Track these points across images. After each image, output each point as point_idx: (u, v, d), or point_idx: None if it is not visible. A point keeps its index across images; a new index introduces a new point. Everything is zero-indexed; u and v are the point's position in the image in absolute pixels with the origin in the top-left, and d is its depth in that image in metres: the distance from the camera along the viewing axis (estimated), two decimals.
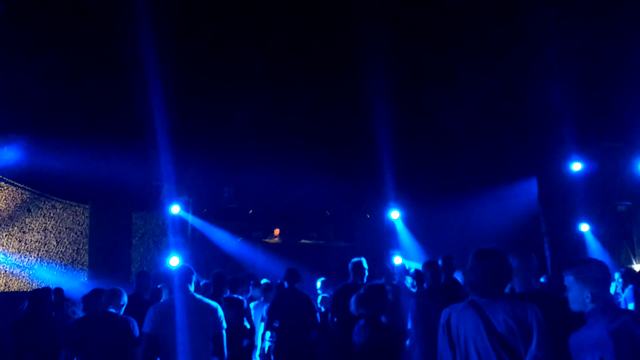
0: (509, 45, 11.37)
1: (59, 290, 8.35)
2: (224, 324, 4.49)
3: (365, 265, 6.75)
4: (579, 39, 11.34)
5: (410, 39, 13.08)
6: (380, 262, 7.45)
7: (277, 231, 18.45)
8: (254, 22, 13.91)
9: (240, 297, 6.38)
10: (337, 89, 15.53)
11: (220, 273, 6.64)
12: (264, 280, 8.92)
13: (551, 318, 3.01)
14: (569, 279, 2.88)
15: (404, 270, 7.02)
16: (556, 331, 2.95)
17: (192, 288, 4.52)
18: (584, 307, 2.80)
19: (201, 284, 7.81)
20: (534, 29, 11.15)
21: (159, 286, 7.83)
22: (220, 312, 4.49)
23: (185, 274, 4.52)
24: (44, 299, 5.94)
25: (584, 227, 12.74)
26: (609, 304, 2.74)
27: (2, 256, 13.29)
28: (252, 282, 8.97)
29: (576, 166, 12.29)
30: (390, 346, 4.43)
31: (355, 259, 6.77)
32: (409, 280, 7.83)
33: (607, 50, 11.31)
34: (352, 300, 4.77)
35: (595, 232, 13.62)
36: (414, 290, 7.09)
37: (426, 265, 5.91)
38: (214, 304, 4.54)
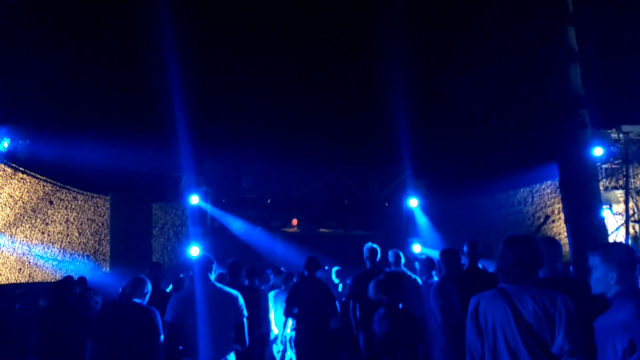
0: (528, 29, 11.19)
1: (82, 280, 8.46)
2: (245, 312, 4.51)
3: (379, 250, 6.75)
4: (600, 20, 11.12)
5: (427, 22, 12.97)
6: (400, 250, 7.40)
7: (295, 221, 18.48)
8: (274, 11, 13.89)
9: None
10: (355, 76, 15.48)
11: (235, 262, 6.64)
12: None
13: (576, 304, 2.98)
14: (595, 259, 2.83)
15: (397, 258, 6.91)
16: (581, 317, 2.92)
17: (212, 277, 4.55)
18: (607, 289, 2.76)
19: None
20: (554, 11, 10.96)
21: (181, 275, 7.90)
22: (241, 301, 4.51)
23: (205, 263, 4.55)
24: (69, 290, 6.01)
25: (606, 213, 12.57)
26: (634, 287, 2.71)
27: (26, 247, 13.52)
28: (269, 270, 9.03)
29: (598, 151, 12.11)
30: (411, 335, 4.43)
31: (369, 245, 6.76)
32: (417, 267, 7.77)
33: (629, 31, 11.07)
34: (371, 285, 4.77)
35: (617, 217, 13.45)
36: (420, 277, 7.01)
37: (442, 253, 5.82)
38: (234, 292, 4.57)
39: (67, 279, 6.84)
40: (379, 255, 6.69)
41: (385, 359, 4.46)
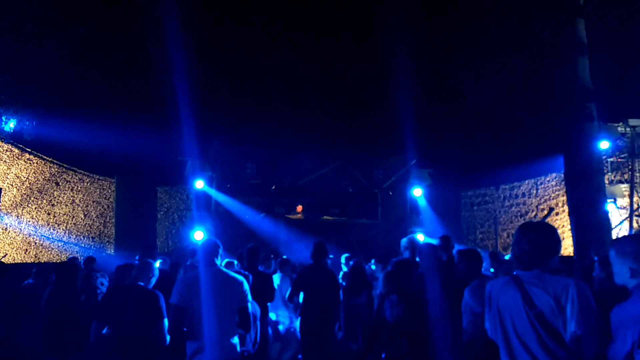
0: (538, 20, 11.13)
1: (90, 260, 8.48)
2: (250, 297, 4.55)
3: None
4: (608, 14, 11.05)
5: (436, 11, 12.89)
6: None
7: (300, 208, 18.54)
8: None
9: None
10: (362, 65, 15.43)
11: (254, 247, 6.71)
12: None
13: None
14: (611, 254, 2.87)
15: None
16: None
17: (218, 261, 4.57)
18: (626, 282, 2.78)
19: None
20: (564, 2, 10.90)
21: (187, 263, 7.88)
22: (246, 286, 4.55)
23: (212, 248, 4.57)
24: (72, 273, 5.99)
25: (610, 207, 12.55)
26: None
27: (32, 228, 13.61)
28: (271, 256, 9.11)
29: (604, 144, 12.07)
30: (423, 321, 4.45)
31: (410, 236, 6.80)
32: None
33: (638, 25, 11.01)
34: (381, 277, 4.79)
35: (621, 211, 13.44)
36: None
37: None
38: (239, 277, 4.60)
39: (71, 263, 6.86)
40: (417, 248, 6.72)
41: (394, 343, 4.50)
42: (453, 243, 6.66)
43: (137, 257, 8.02)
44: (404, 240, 6.84)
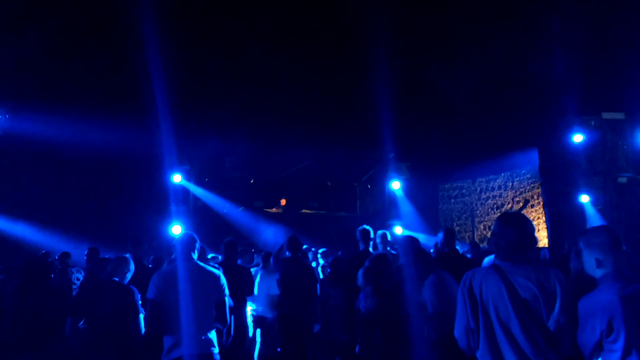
0: (512, 14, 11.24)
1: (65, 255, 8.38)
2: (227, 291, 4.55)
3: (372, 233, 6.81)
4: (582, 8, 11.21)
5: (411, 8, 12.94)
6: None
7: (283, 201, 18.51)
8: None
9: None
10: (337, 59, 15.42)
11: (231, 241, 6.69)
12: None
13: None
14: (580, 245, 2.95)
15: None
16: None
17: (195, 256, 4.56)
18: (593, 272, 2.87)
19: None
20: None
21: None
22: (223, 280, 4.54)
23: (188, 242, 4.55)
24: (41, 266, 5.89)
25: (584, 199, 12.77)
26: (621, 271, 2.77)
27: (7, 223, 13.40)
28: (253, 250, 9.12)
29: (578, 137, 12.27)
30: (397, 313, 4.48)
31: (362, 227, 6.80)
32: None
33: (610, 20, 11.19)
34: (360, 273, 4.80)
35: (595, 203, 13.67)
36: None
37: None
38: (216, 271, 4.60)
39: (41, 256, 6.76)
40: (370, 238, 6.75)
41: (367, 334, 4.52)
42: (455, 236, 6.68)
43: (85, 253, 7.95)
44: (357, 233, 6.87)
